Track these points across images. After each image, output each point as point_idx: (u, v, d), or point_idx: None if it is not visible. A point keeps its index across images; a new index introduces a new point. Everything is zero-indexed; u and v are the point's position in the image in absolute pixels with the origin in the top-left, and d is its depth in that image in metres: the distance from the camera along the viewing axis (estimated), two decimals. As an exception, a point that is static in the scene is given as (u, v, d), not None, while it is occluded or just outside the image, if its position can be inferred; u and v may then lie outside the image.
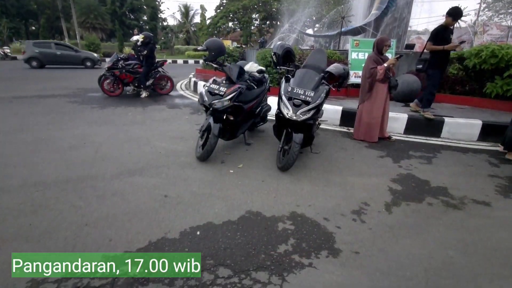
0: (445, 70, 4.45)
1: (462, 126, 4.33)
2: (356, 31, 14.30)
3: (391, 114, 4.33)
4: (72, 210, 2.16)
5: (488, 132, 4.26)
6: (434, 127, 4.44)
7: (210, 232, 1.99)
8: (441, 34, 4.26)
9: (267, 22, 32.08)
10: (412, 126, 4.51)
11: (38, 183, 2.55)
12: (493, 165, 3.44)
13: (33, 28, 36.88)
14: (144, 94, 6.90)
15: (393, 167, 3.28)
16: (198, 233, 1.98)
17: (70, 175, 2.74)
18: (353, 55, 6.45)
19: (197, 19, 38.72)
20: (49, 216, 2.09)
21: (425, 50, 4.49)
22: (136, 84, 6.91)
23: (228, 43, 18.19)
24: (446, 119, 4.37)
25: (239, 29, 32.80)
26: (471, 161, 3.56)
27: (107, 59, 7.10)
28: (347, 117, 4.78)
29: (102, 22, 33.59)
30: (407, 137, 4.41)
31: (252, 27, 31.87)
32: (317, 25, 27.69)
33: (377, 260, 1.81)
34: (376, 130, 4.07)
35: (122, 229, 1.98)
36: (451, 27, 4.31)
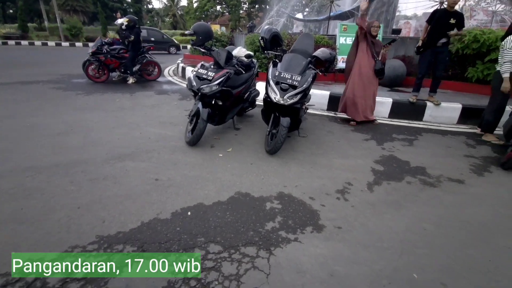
0: (436, 53, 4.27)
1: (443, 109, 4.50)
2: (345, 16, 14.25)
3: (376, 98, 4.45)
4: (64, 194, 2.20)
5: (467, 115, 4.45)
6: (417, 111, 4.60)
7: (201, 212, 2.08)
8: (436, 15, 4.16)
9: (256, 6, 31.40)
10: (397, 110, 4.66)
11: (29, 168, 2.56)
12: (469, 146, 3.63)
13: (11, 11, 34.88)
14: (131, 80, 6.77)
15: (377, 149, 3.42)
16: (189, 213, 2.06)
17: (60, 160, 2.74)
18: (341, 40, 6.49)
19: (184, 2, 37.62)
20: (41, 199, 2.12)
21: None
22: (123, 70, 6.77)
23: (217, 28, 17.81)
24: (428, 103, 4.52)
25: (227, 13, 32.00)
26: (449, 142, 3.74)
27: (90, 44, 6.88)
28: (335, 102, 4.87)
29: (84, 4, 32.08)
30: (391, 120, 4.57)
31: (241, 11, 31.15)
32: (306, 9, 27.31)
33: (358, 234, 1.94)
34: (355, 108, 4.16)
35: (114, 210, 2.03)
36: (453, 10, 4.12)
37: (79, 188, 2.29)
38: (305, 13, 27.30)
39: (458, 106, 4.47)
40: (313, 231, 1.94)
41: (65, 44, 20.35)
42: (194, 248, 1.72)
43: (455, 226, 2.09)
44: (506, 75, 3.44)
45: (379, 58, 3.99)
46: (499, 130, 3.86)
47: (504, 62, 3.45)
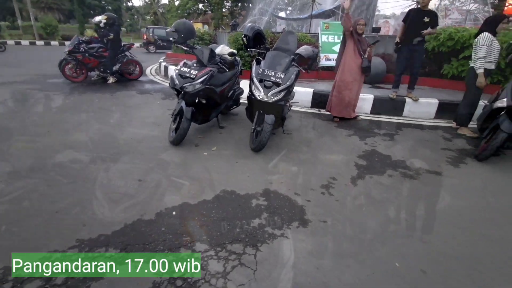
0: (412, 51, 4.39)
1: (421, 105, 4.66)
2: (326, 14, 14.44)
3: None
4: (42, 198, 2.11)
5: (444, 110, 4.63)
6: (396, 106, 4.74)
7: (186, 212, 2.05)
8: (411, 15, 4.31)
9: (239, 4, 31.22)
10: (378, 106, 4.78)
11: (2, 173, 2.44)
12: (446, 139, 3.79)
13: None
14: (111, 79, 6.57)
15: (360, 144, 3.50)
16: (174, 213, 2.03)
17: (37, 163, 2.63)
18: (323, 38, 6.56)
19: (165, 0, 36.81)
20: (16, 205, 2.03)
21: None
22: (102, 69, 6.56)
23: (199, 26, 17.63)
24: (407, 99, 4.67)
25: (210, 11, 31.65)
26: (427, 136, 3.89)
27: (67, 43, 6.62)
28: (318, 99, 4.94)
29: (59, 1, 30.84)
30: (373, 116, 4.68)
31: (224, 9, 30.89)
32: (289, 8, 27.46)
33: (343, 227, 1.99)
34: (342, 106, 4.23)
35: (96, 214, 1.97)
36: (427, 9, 4.26)
37: (57, 192, 2.21)
38: (287, 12, 27.45)
39: (435, 101, 4.64)
40: (299, 226, 1.96)
41: (40, 43, 19.50)
42: (179, 248, 1.70)
43: (433, 215, 2.18)
44: (480, 71, 3.59)
45: (366, 56, 4.07)
46: (473, 124, 4.04)
47: (478, 59, 3.60)
